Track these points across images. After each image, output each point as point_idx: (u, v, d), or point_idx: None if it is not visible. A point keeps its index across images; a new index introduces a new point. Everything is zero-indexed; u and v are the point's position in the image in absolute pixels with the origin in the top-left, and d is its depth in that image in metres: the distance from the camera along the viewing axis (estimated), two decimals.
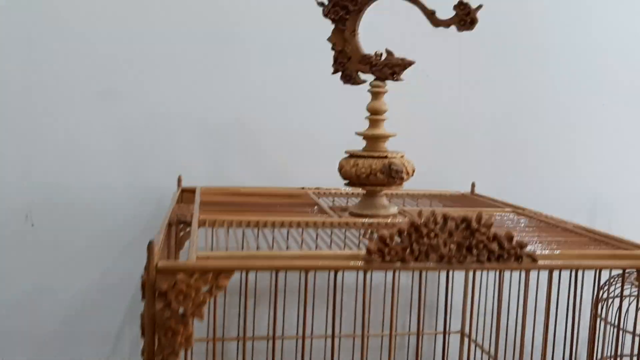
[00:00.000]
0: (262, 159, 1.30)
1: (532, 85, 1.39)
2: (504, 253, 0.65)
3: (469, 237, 0.64)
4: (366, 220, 0.89)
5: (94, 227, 1.25)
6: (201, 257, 0.63)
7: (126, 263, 1.25)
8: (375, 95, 0.93)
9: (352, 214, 0.94)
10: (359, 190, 1.15)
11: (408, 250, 0.63)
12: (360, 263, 0.63)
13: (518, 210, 1.05)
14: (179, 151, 1.27)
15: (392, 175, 0.89)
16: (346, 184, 0.94)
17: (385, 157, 0.90)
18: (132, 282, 1.24)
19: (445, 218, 0.63)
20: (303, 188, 1.23)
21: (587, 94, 1.41)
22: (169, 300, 0.59)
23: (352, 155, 0.92)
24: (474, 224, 0.64)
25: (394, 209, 0.94)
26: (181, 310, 0.60)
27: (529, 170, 1.41)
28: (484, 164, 1.39)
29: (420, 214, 0.63)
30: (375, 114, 0.93)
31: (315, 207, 1.01)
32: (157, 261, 0.60)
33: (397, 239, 0.63)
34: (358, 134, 0.94)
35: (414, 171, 0.93)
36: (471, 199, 1.22)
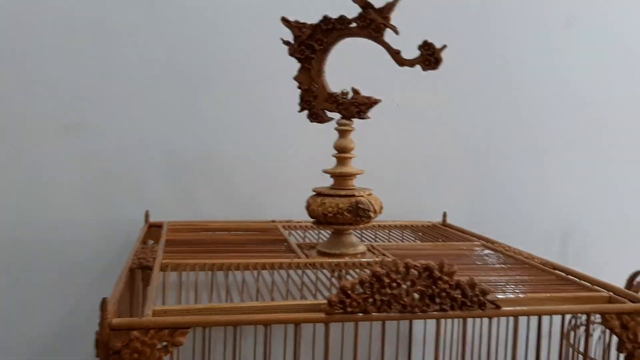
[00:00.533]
0: (232, 192, 1.28)
1: (502, 115, 1.40)
2: (467, 301, 0.64)
3: (431, 286, 0.63)
4: (334, 260, 0.88)
5: (60, 264, 1.22)
6: (158, 312, 0.62)
7: (93, 301, 1.21)
8: (342, 133, 0.92)
9: (320, 253, 0.92)
10: None
11: (370, 300, 0.62)
12: (321, 315, 0.62)
13: (487, 244, 1.04)
14: (147, 184, 1.25)
15: (359, 213, 0.88)
16: (314, 223, 0.93)
17: (353, 195, 0.89)
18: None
19: (408, 267, 0.63)
20: (273, 221, 1.22)
21: (557, 123, 1.43)
22: (123, 359, 0.57)
23: (319, 194, 0.92)
24: (436, 273, 0.63)
25: (362, 247, 0.93)
26: None
27: (503, 197, 1.41)
28: (457, 193, 1.39)
29: (382, 263, 0.62)
30: (342, 152, 0.92)
31: (285, 243, 1.00)
32: (111, 319, 0.58)
33: (358, 289, 0.62)
34: (325, 171, 0.93)
35: (381, 208, 0.92)
36: (442, 230, 1.22)
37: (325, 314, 0.62)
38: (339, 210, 0.88)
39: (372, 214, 0.89)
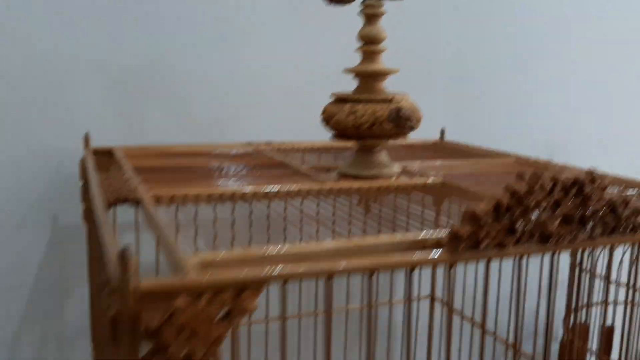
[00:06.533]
0: (187, 110, 1.03)
1: (486, 29, 1.23)
2: (620, 224, 0.48)
3: (580, 207, 0.46)
4: (365, 184, 0.68)
5: None
6: (203, 263, 0.40)
7: (15, 249, 0.95)
8: (370, 18, 0.71)
9: (346, 176, 0.72)
10: (326, 144, 0.95)
11: (509, 230, 0.44)
12: (443, 254, 0.43)
13: (520, 160, 0.89)
14: (78, 105, 0.97)
15: (401, 123, 0.69)
16: (334, 137, 0.72)
17: (391, 100, 0.69)
18: (28, 269, 0.96)
19: (554, 182, 0.45)
20: (250, 143, 0.99)
21: (545, 37, 1.29)
22: (165, 341, 0.35)
23: (346, 100, 0.70)
24: (588, 188, 0.46)
25: (397, 168, 0.74)
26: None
27: (488, 111, 1.27)
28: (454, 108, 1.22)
29: (521, 177, 0.44)
30: (370, 44, 0.71)
31: (288, 167, 0.79)
32: (138, 282, 0.35)
33: (489, 216, 0.43)
34: (349, 70, 0.72)
35: (421, 118, 0.73)
36: (447, 147, 1.05)
37: (448, 251, 0.43)
38: (377, 119, 0.68)
39: (414, 124, 0.70)
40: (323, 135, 0.95)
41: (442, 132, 1.12)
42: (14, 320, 0.98)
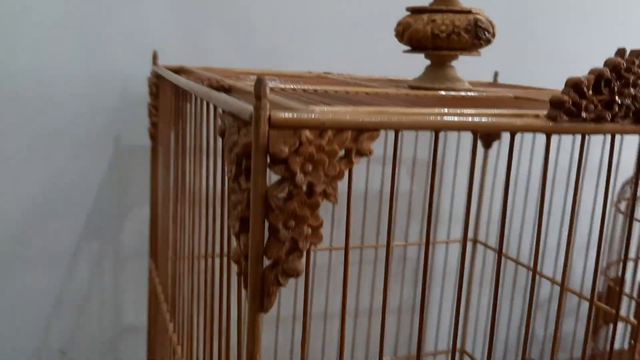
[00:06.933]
0: (249, 37, 1.05)
1: None
2: None
3: None
4: (446, 92, 0.70)
5: (38, 123, 0.96)
6: (321, 111, 0.42)
7: (77, 168, 0.99)
8: None
9: (417, 89, 0.74)
10: (388, 77, 0.97)
11: (607, 104, 0.45)
12: (544, 123, 0.45)
13: None
14: (142, 26, 0.99)
15: (479, 34, 0.70)
16: (410, 51, 0.74)
17: (469, 11, 0.71)
18: (88, 188, 0.99)
19: None
20: (310, 72, 1.01)
21: None
22: (293, 169, 0.38)
23: (423, 10, 0.72)
24: None
25: (466, 83, 0.76)
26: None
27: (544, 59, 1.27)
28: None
29: (620, 54, 0.45)
30: None
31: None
32: (270, 112, 0.38)
33: (590, 87, 0.45)
34: None
35: (496, 32, 0.74)
36: (505, 86, 1.06)
37: (550, 120, 0.45)
38: (455, 29, 0.69)
39: (491, 37, 0.71)
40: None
41: (496, 75, 1.13)
42: (73, 237, 1.02)
